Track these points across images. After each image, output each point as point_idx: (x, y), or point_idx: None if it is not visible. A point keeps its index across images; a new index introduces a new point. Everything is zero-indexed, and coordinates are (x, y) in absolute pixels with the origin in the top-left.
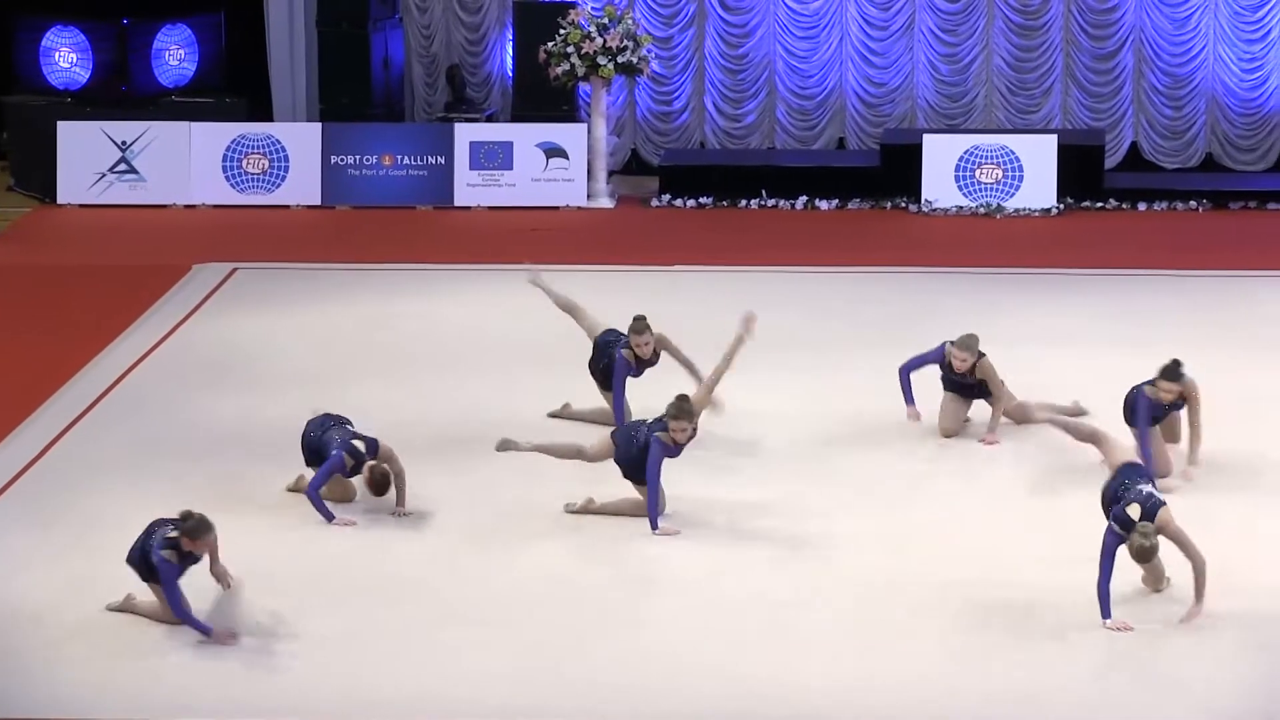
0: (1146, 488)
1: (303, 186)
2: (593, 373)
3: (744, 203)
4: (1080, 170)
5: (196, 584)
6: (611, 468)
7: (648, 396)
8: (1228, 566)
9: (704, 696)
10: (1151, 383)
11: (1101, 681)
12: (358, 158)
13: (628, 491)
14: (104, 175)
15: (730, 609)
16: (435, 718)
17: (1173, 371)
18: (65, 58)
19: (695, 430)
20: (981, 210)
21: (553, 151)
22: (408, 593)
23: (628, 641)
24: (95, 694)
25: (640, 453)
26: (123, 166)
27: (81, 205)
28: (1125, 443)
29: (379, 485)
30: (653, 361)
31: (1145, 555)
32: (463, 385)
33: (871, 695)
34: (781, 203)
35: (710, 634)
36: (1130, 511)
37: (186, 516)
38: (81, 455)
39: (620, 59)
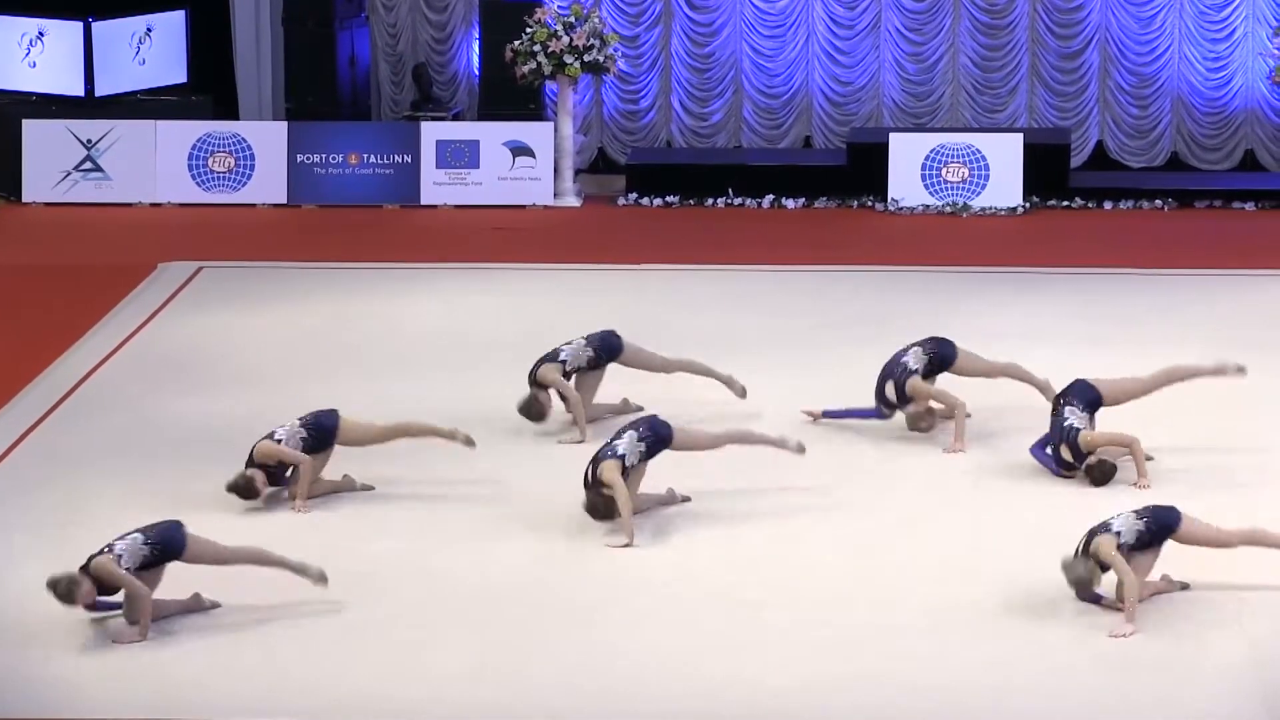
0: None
1: (269, 185)
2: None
3: (711, 201)
4: (1046, 169)
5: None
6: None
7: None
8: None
9: (668, 696)
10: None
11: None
12: (324, 156)
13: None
14: (69, 174)
15: (695, 609)
16: (397, 717)
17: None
18: (29, 55)
19: None
20: (948, 209)
21: (519, 150)
22: (369, 591)
23: (592, 641)
24: (63, 692)
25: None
26: (88, 165)
27: (46, 204)
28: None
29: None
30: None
31: (1082, 587)
32: (428, 384)
33: (838, 695)
34: (748, 201)
35: (675, 634)
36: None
37: (53, 584)
38: (46, 455)
39: (587, 58)
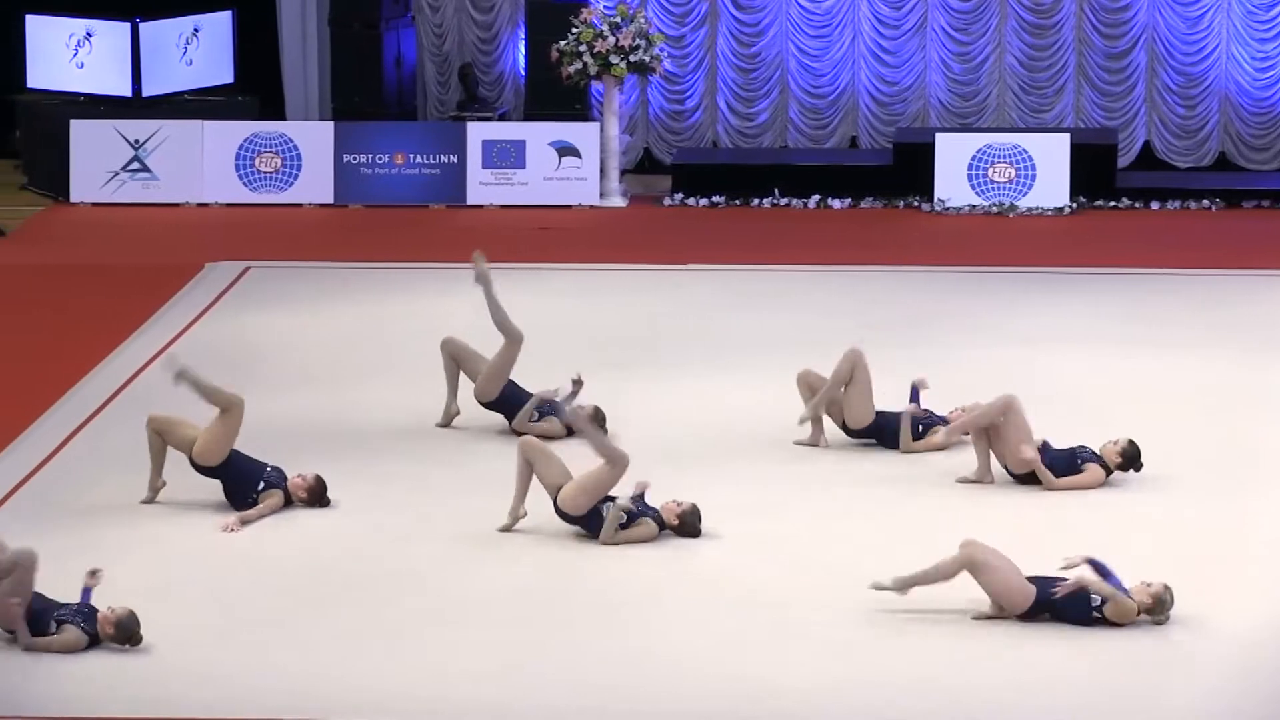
0: None
1: (315, 185)
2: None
3: (756, 202)
4: (1093, 169)
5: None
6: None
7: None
8: (1235, 565)
9: (696, 696)
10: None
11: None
12: (370, 156)
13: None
14: (116, 174)
15: (724, 610)
16: (431, 716)
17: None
18: (77, 56)
19: None
20: (994, 209)
21: (565, 150)
22: (401, 592)
23: (622, 642)
24: (102, 690)
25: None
26: (135, 165)
27: (94, 204)
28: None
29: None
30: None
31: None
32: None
33: (866, 696)
34: (794, 202)
35: (704, 635)
36: None
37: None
38: (93, 454)
39: (632, 58)
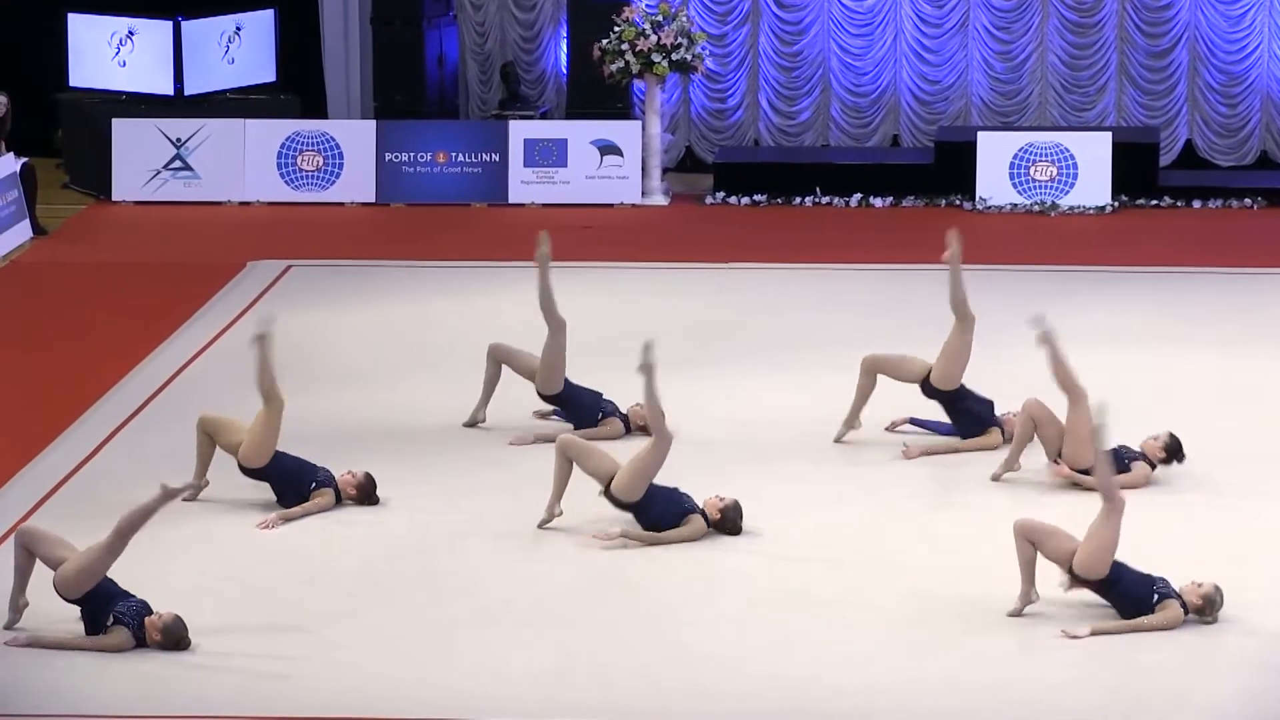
0: None
1: (357, 184)
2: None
3: (798, 200)
4: (1135, 168)
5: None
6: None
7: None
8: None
9: (750, 695)
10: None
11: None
12: (412, 155)
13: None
14: (158, 172)
15: (778, 608)
16: (481, 715)
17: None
18: (119, 55)
19: None
20: (1036, 208)
21: (607, 149)
22: (449, 591)
23: (676, 640)
24: (150, 690)
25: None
26: (177, 164)
27: (136, 202)
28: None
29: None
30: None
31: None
32: (512, 383)
33: (921, 695)
34: (836, 200)
35: (758, 633)
36: None
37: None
38: (134, 453)
39: (674, 56)
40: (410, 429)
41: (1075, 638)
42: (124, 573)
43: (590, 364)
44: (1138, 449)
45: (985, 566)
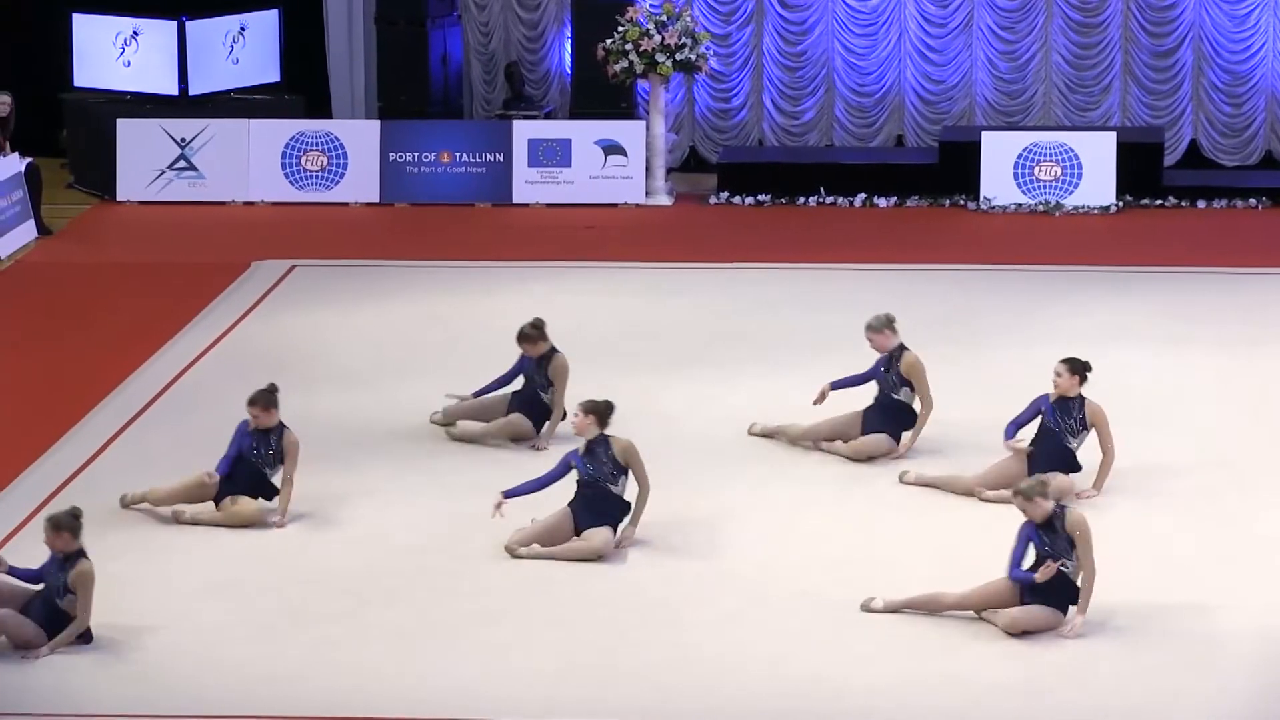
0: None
1: (361, 184)
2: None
3: (802, 200)
4: (1139, 168)
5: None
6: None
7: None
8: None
9: (754, 695)
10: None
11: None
12: (416, 155)
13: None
14: (163, 172)
15: (782, 608)
16: (484, 715)
17: (1076, 365)
18: (124, 55)
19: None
20: (1040, 208)
21: (611, 149)
22: (458, 591)
23: (679, 641)
24: (158, 689)
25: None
26: (182, 164)
27: (140, 202)
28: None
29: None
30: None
31: (1025, 494)
32: (518, 383)
33: (926, 695)
34: (840, 200)
35: (761, 633)
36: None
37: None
38: (139, 453)
39: (678, 56)
40: (413, 428)
41: (1077, 635)
42: (126, 574)
43: (592, 364)
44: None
45: (986, 568)
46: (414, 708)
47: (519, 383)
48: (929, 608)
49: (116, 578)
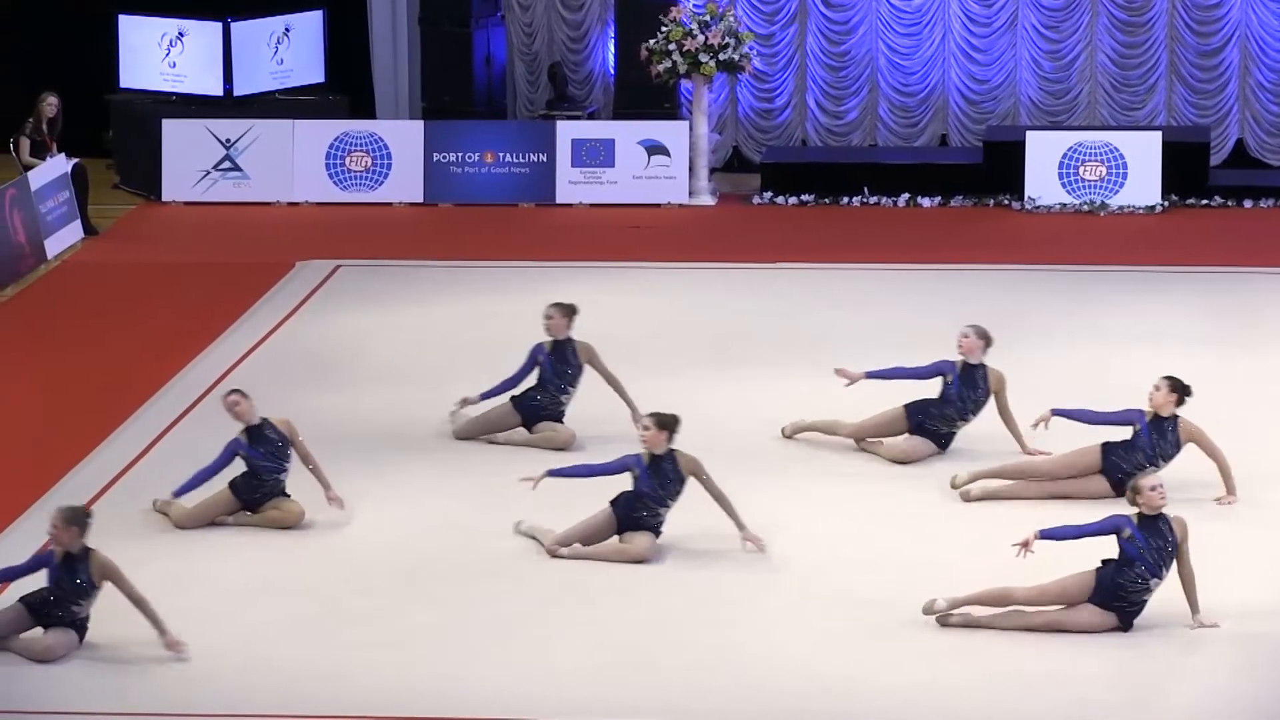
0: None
1: (405, 184)
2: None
3: (846, 200)
4: (1185, 167)
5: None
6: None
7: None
8: None
9: (792, 695)
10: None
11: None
12: (460, 155)
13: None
14: (208, 173)
15: (821, 608)
16: (525, 713)
17: (1178, 384)
18: (169, 56)
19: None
20: (1085, 207)
21: (654, 149)
22: (499, 590)
23: (717, 640)
24: (202, 687)
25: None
26: (226, 164)
27: (186, 203)
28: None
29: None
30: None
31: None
32: (533, 382)
33: (963, 695)
34: (883, 200)
35: (800, 633)
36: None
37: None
38: (184, 452)
39: (722, 56)
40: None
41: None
42: (172, 573)
43: (635, 364)
44: None
45: (1026, 569)
46: (455, 707)
47: (531, 382)
48: (999, 603)
49: (161, 579)
